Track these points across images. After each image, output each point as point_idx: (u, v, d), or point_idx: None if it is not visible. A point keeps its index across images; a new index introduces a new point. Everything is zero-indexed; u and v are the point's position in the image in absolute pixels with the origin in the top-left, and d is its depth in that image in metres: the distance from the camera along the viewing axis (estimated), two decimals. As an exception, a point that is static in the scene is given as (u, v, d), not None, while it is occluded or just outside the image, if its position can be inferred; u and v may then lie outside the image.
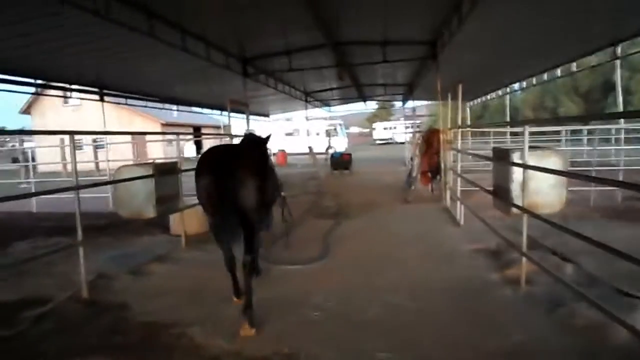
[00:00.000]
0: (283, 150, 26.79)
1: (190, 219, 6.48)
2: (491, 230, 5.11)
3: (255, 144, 4.24)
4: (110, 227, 6.64)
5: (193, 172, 3.85)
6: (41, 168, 23.27)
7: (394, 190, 11.06)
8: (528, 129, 3.97)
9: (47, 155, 25.30)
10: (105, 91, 9.99)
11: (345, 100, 22.09)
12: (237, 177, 3.48)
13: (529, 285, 4.05)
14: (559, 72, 11.91)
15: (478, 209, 5.93)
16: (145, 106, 16.04)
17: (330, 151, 36.52)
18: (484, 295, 4.05)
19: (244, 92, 9.42)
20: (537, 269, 3.90)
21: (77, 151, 4.53)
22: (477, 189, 5.97)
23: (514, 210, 4.26)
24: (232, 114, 9.17)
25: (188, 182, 5.01)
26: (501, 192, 4.65)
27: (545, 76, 13.03)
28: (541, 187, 4.09)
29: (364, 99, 21.39)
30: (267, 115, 24.00)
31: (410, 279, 4.58)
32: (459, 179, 7.30)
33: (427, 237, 6.27)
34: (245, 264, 3.55)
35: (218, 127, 40.83)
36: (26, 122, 31.83)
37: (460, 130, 8.04)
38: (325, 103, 22.34)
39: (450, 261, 5.11)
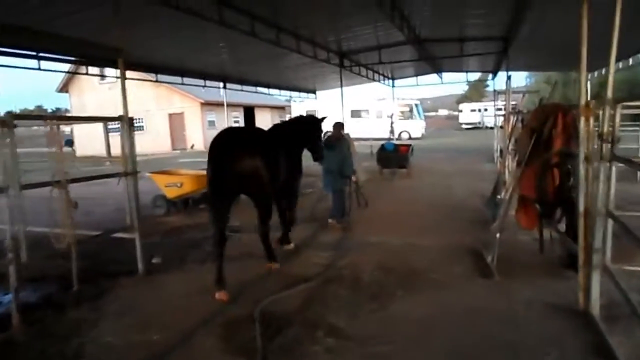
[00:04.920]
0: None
1: None
2: None
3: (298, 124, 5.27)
4: None
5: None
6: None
7: (461, 223, 6.17)
8: None
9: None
10: None
11: (402, 66, 15.30)
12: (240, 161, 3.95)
13: None
14: None
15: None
16: (182, 84, 13.11)
17: (404, 136, 30.38)
18: None
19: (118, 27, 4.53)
20: None
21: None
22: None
23: None
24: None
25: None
26: None
27: None
28: None
29: (434, 67, 14.94)
30: (312, 92, 18.99)
31: None
32: None
33: None
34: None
35: (281, 108, 36.38)
36: (64, 101, 30.19)
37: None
38: (380, 73, 16.45)
39: None
